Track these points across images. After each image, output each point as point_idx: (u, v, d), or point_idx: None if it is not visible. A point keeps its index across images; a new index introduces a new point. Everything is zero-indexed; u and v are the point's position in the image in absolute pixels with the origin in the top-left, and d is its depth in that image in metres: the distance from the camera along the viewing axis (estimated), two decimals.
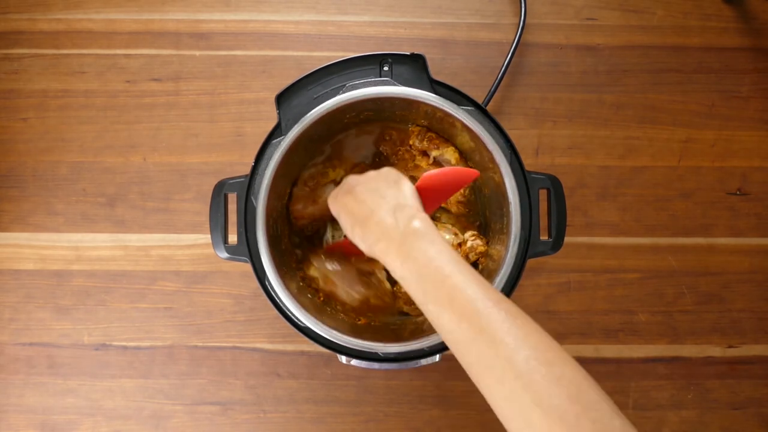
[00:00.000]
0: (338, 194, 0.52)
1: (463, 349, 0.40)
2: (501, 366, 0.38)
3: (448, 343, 0.42)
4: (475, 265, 0.65)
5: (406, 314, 0.66)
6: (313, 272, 0.64)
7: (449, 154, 0.63)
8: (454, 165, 0.63)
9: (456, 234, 0.63)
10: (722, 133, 0.77)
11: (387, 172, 0.51)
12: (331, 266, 0.64)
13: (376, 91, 0.57)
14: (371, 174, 0.52)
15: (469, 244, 0.62)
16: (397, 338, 0.57)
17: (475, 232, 0.64)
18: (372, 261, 0.66)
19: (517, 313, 0.40)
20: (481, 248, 0.62)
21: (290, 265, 0.64)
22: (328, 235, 0.66)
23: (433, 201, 0.53)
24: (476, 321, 0.40)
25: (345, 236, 0.63)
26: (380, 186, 0.49)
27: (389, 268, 0.46)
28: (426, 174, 0.51)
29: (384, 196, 0.48)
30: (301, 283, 0.64)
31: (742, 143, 0.77)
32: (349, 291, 0.64)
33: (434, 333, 0.56)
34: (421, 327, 0.60)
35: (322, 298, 0.64)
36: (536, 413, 0.36)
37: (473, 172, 0.52)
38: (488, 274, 0.60)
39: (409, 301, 0.66)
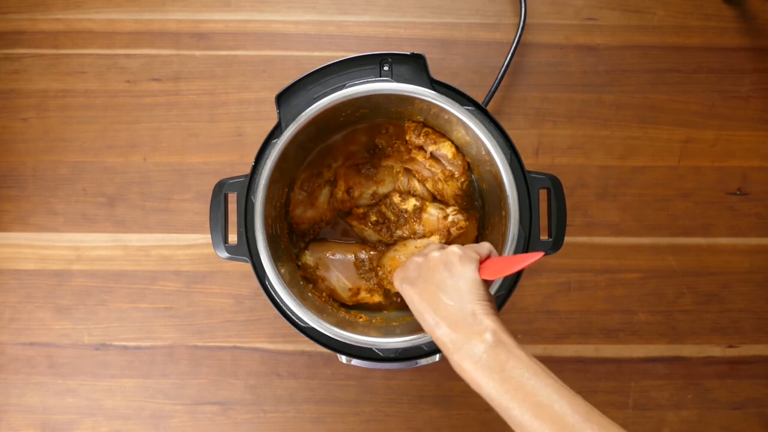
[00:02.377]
0: (404, 281, 0.50)
1: None
2: None
3: None
4: None
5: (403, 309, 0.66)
6: (306, 259, 0.64)
7: (446, 148, 0.63)
8: (450, 159, 0.63)
9: (441, 209, 0.64)
10: (722, 133, 0.77)
11: (449, 260, 0.48)
12: (330, 253, 0.64)
13: (372, 87, 0.57)
14: (435, 261, 0.48)
15: (450, 218, 0.62)
16: (398, 334, 0.57)
17: (457, 207, 0.64)
18: (374, 253, 0.66)
19: (608, 425, 0.40)
20: (462, 223, 0.62)
21: (290, 264, 0.64)
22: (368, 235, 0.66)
23: (495, 275, 0.49)
24: None
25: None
26: (444, 283, 0.47)
27: (465, 377, 0.44)
28: (490, 261, 0.49)
29: (449, 300, 0.46)
30: (301, 282, 0.64)
31: (742, 143, 0.77)
32: (340, 278, 0.64)
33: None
34: (420, 325, 0.60)
35: (323, 298, 0.64)
36: None
37: (536, 256, 0.46)
38: None
39: (403, 306, 0.66)
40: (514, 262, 0.47)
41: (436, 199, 0.66)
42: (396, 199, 0.64)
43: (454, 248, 0.49)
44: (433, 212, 0.63)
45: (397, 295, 0.66)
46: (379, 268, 0.64)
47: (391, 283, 0.64)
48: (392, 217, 0.64)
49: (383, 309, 0.66)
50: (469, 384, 0.44)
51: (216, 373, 0.74)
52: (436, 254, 0.49)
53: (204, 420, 0.74)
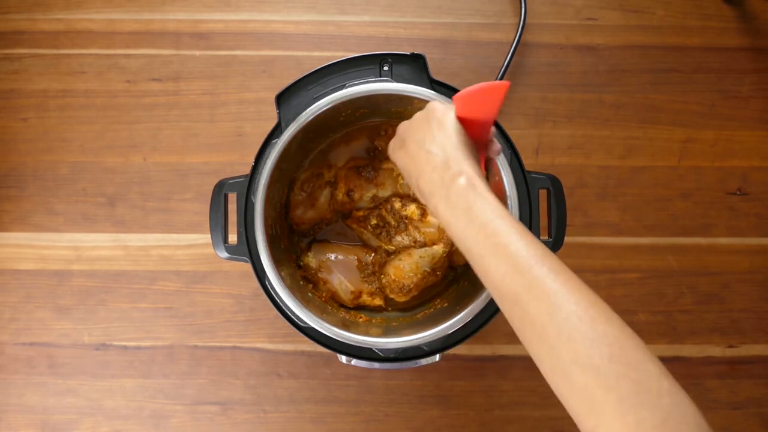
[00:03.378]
0: (395, 147, 0.52)
1: (509, 304, 0.41)
2: (542, 322, 0.38)
3: (495, 299, 0.42)
4: None
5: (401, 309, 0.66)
6: (308, 260, 0.64)
7: None
8: None
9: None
10: (722, 133, 0.77)
11: (430, 114, 0.49)
12: (333, 255, 0.64)
13: (372, 87, 0.57)
14: (418, 119, 0.49)
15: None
16: (398, 334, 0.57)
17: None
18: (375, 255, 0.66)
19: (560, 269, 0.40)
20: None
21: (291, 265, 0.64)
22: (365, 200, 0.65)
23: (476, 124, 0.49)
24: (520, 276, 0.40)
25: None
26: (426, 137, 0.48)
27: (440, 221, 0.46)
28: (457, 97, 0.48)
29: (430, 149, 0.47)
30: (301, 282, 0.64)
31: (742, 143, 0.77)
32: (343, 280, 0.64)
33: (433, 328, 0.56)
34: (419, 325, 0.60)
35: (323, 298, 0.64)
36: (575, 371, 0.36)
37: (503, 84, 0.47)
38: None
39: (404, 307, 0.66)
40: (482, 93, 0.47)
41: None
42: (397, 204, 0.64)
43: (436, 103, 0.49)
44: (434, 221, 0.63)
45: (395, 301, 0.65)
46: (382, 276, 0.64)
47: (394, 291, 0.64)
48: (392, 222, 0.64)
49: (383, 310, 0.66)
50: (441, 224, 0.45)
51: (216, 373, 0.74)
52: (419, 113, 0.50)
53: (204, 420, 0.74)
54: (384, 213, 0.64)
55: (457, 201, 0.44)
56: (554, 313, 0.38)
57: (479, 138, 0.49)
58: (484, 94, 0.47)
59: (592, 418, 0.36)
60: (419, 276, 0.63)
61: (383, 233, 0.64)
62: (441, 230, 0.63)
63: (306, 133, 0.59)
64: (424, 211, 0.63)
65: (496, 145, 0.52)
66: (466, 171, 0.45)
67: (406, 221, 0.64)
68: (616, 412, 0.35)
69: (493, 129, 0.51)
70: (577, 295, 0.38)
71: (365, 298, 0.64)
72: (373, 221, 0.64)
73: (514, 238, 0.41)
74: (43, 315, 0.75)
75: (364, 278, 0.64)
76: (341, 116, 0.62)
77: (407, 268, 0.63)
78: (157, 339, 0.74)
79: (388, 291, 0.64)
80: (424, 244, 0.64)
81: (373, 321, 0.64)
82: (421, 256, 0.63)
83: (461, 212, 0.43)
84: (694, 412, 0.36)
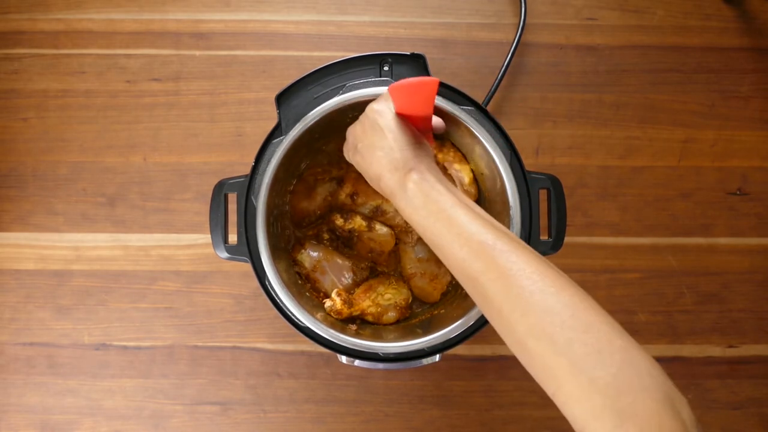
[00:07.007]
0: (349, 152, 0.55)
1: (471, 286, 0.44)
2: (499, 301, 0.42)
3: (460, 282, 0.45)
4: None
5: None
6: (302, 258, 0.64)
7: (465, 172, 0.63)
8: (467, 186, 0.63)
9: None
10: (722, 133, 0.77)
11: (373, 117, 0.51)
12: (327, 258, 0.64)
13: (377, 91, 0.57)
14: (363, 123, 0.52)
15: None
16: (397, 338, 0.57)
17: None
18: (369, 258, 0.66)
19: (514, 247, 0.43)
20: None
21: (289, 264, 0.64)
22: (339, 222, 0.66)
23: (416, 119, 0.52)
24: (477, 259, 0.43)
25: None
26: (374, 140, 0.51)
27: (404, 216, 0.50)
28: (393, 88, 0.50)
29: (381, 153, 0.50)
30: (300, 281, 0.64)
31: (742, 143, 0.77)
32: (335, 281, 0.64)
33: (433, 332, 0.56)
34: (418, 328, 0.60)
35: (321, 298, 0.64)
36: (531, 342, 0.40)
37: (433, 80, 0.49)
38: None
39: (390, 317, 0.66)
40: (415, 87, 0.49)
41: None
42: (339, 221, 0.64)
43: (373, 105, 0.52)
44: (383, 229, 0.64)
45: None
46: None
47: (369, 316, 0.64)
48: (344, 236, 0.65)
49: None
50: (406, 219, 0.49)
51: (216, 373, 0.74)
52: (362, 117, 0.53)
53: (204, 420, 0.74)
54: (334, 227, 0.65)
55: (414, 197, 0.48)
56: (508, 290, 0.41)
57: (423, 128, 0.53)
58: (416, 88, 0.49)
59: (551, 383, 0.39)
60: (383, 316, 0.63)
61: (339, 245, 0.65)
62: (392, 235, 0.64)
63: (311, 134, 0.59)
64: (370, 221, 0.64)
65: (439, 122, 0.57)
66: (416, 167, 0.49)
67: (356, 233, 0.64)
68: (570, 374, 0.38)
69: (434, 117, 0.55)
70: (531, 269, 0.41)
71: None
72: (326, 236, 0.65)
73: (469, 222, 0.45)
74: (43, 315, 0.75)
75: (357, 282, 0.64)
76: (348, 118, 0.62)
77: (372, 309, 0.63)
78: (157, 339, 0.74)
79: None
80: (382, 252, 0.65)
81: (369, 324, 0.64)
82: (387, 302, 0.63)
83: (419, 207, 0.47)
84: (647, 364, 0.39)
